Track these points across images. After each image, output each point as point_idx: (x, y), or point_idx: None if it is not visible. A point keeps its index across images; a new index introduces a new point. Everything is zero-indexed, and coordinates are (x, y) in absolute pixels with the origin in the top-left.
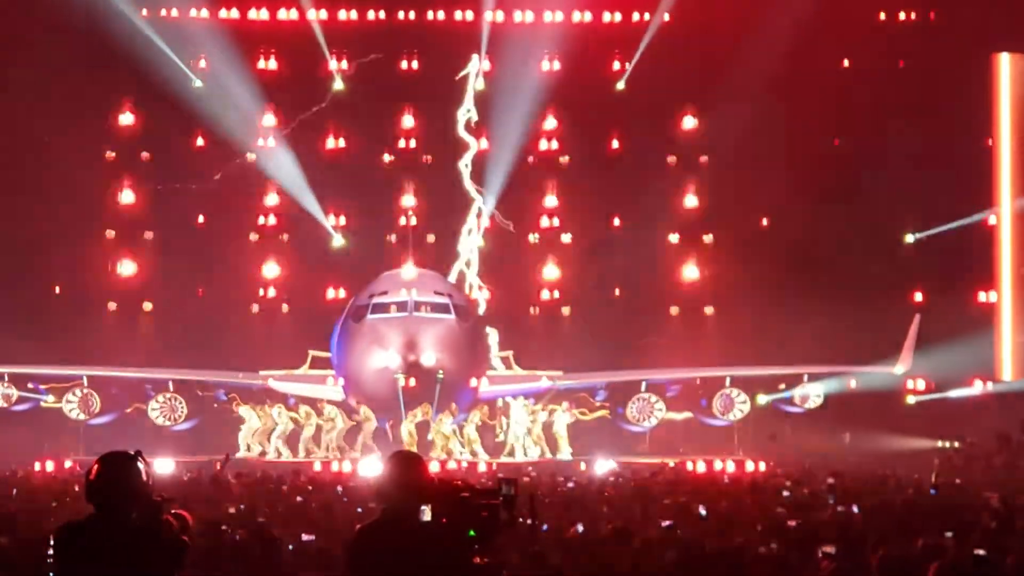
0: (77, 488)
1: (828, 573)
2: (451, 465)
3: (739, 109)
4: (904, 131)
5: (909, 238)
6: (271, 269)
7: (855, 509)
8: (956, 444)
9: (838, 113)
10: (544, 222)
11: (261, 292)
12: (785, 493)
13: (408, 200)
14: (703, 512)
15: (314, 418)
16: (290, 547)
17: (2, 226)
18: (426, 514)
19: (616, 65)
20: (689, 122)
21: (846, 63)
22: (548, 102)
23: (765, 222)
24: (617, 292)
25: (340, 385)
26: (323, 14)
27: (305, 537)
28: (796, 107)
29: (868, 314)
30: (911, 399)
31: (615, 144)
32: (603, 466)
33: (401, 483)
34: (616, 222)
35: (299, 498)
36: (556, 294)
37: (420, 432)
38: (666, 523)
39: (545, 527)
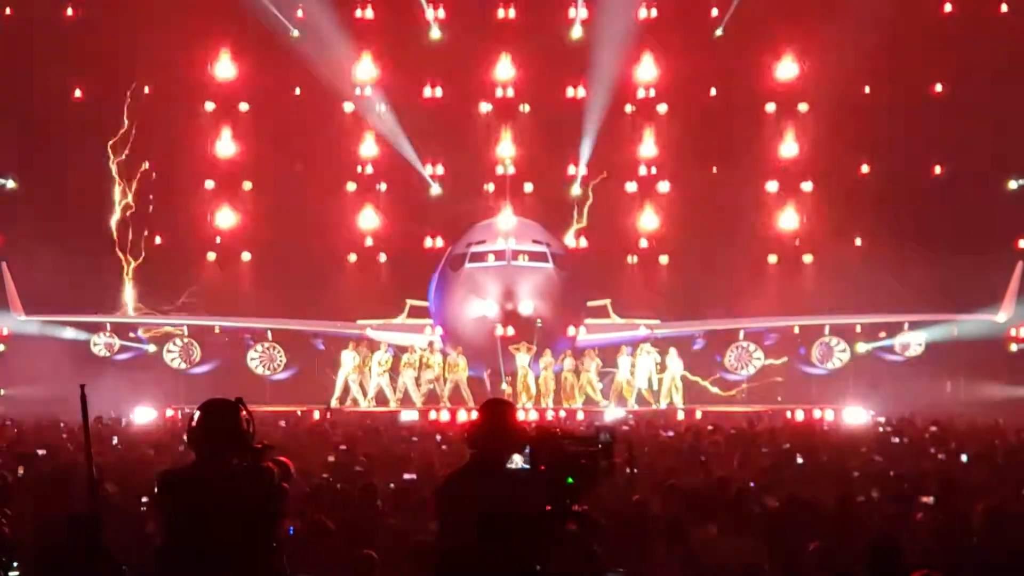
0: (185, 437)
1: (926, 523)
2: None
3: (839, 56)
4: (1006, 76)
5: (1012, 184)
6: (368, 219)
7: (962, 458)
8: None
9: (939, 58)
10: (642, 171)
11: (363, 242)
12: (895, 439)
13: (505, 149)
14: (801, 461)
15: (436, 366)
16: (391, 485)
17: (103, 178)
18: (516, 460)
19: (715, 11)
20: (787, 69)
21: (948, 8)
22: (645, 50)
23: (865, 169)
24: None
25: (438, 334)
26: None
27: (406, 476)
28: (896, 52)
29: (970, 261)
30: (1014, 347)
31: (713, 92)
32: (613, 414)
33: (491, 430)
34: (714, 170)
35: (399, 445)
36: (654, 242)
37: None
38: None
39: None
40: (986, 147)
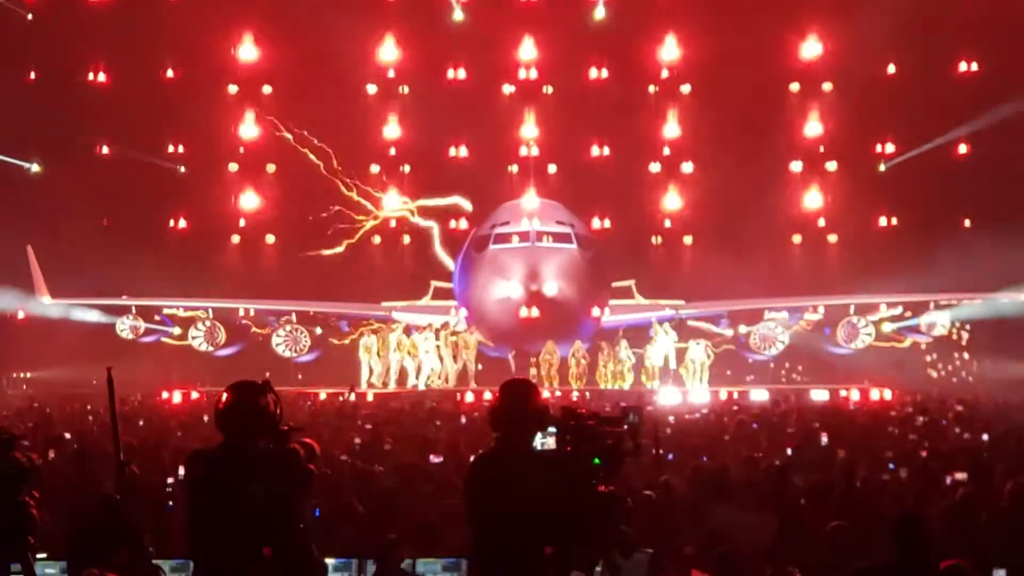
0: (206, 418)
1: (959, 499)
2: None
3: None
4: None
5: None
6: (392, 200)
7: (984, 437)
8: None
9: (967, 38)
10: (666, 151)
11: (387, 223)
12: (920, 419)
13: (529, 130)
14: (825, 440)
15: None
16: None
17: (125, 162)
18: (540, 441)
19: None
20: (811, 48)
21: None
22: (668, 30)
23: (890, 148)
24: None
25: (462, 315)
26: None
27: (434, 459)
28: (922, 30)
29: (997, 240)
30: None
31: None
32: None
33: (513, 411)
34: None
35: (427, 426)
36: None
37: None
38: (789, 451)
39: (670, 456)
40: (1012, 124)
